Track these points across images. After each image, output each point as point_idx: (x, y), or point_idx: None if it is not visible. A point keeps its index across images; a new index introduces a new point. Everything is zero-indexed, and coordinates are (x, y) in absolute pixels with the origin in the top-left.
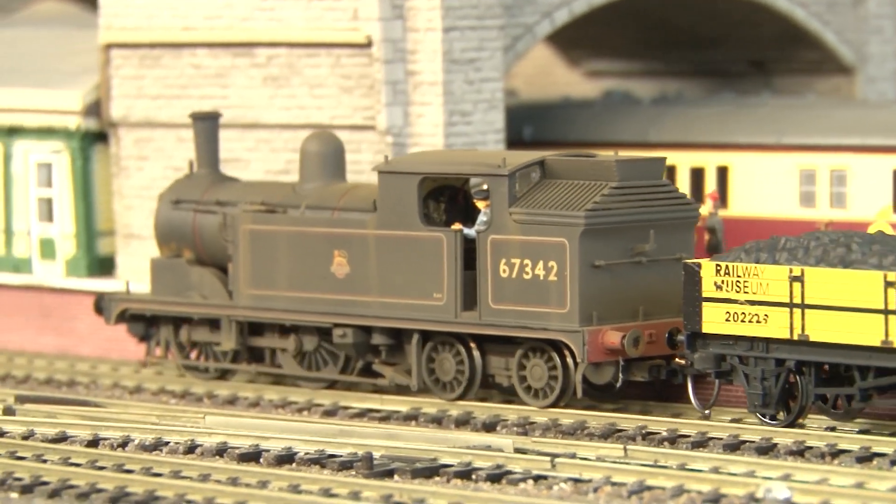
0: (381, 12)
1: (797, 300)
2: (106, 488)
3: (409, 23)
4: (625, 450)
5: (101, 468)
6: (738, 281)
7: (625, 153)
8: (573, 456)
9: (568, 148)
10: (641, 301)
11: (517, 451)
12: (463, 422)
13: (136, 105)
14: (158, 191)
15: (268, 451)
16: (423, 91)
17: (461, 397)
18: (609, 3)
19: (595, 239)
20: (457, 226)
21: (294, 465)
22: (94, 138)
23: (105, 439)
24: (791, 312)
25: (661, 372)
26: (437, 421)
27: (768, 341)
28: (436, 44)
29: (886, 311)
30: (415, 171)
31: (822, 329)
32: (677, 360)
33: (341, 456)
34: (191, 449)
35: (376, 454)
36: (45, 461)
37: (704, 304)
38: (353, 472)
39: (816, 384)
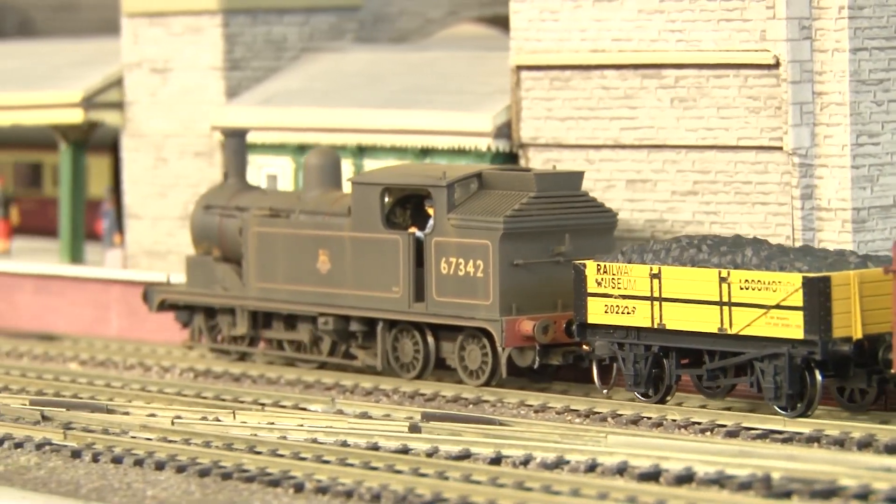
0: (789, 33)
1: (656, 294)
2: None
3: (817, 43)
4: None
5: (501, 485)
6: (613, 278)
7: None
8: None
9: None
10: (560, 295)
11: None
12: (865, 444)
13: (545, 126)
14: None
15: (667, 470)
16: (830, 112)
17: (418, 377)
18: None
19: (514, 241)
20: (412, 229)
21: (693, 485)
22: (504, 159)
23: (507, 457)
24: (652, 305)
25: (569, 357)
26: (840, 443)
27: (638, 330)
28: (843, 64)
29: (721, 303)
30: (377, 182)
31: (676, 319)
32: (584, 346)
33: (741, 477)
34: (591, 467)
35: (775, 475)
36: (446, 478)
37: (589, 298)
38: (752, 493)
39: (678, 366)
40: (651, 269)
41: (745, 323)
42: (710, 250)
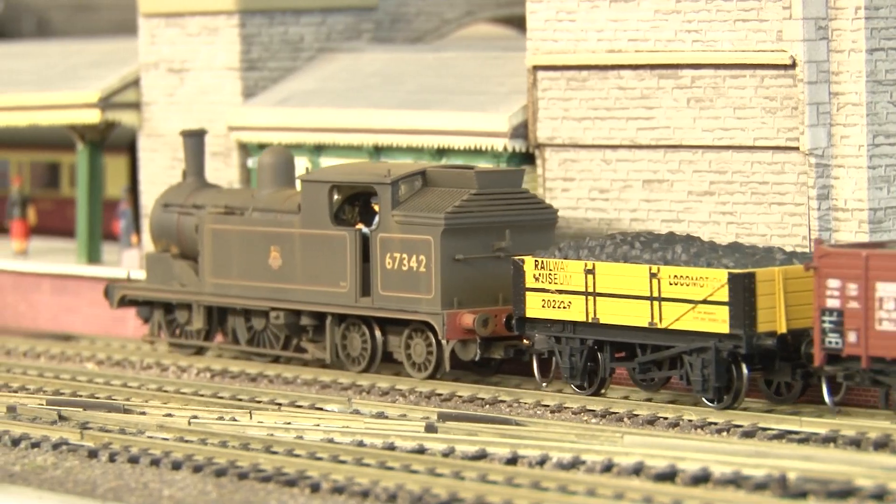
0: (806, 34)
1: (591, 289)
2: None
3: (834, 44)
4: None
5: (517, 486)
6: (550, 274)
7: None
8: None
9: None
10: (501, 290)
11: None
12: (881, 444)
13: (561, 127)
14: (583, 212)
15: (683, 471)
16: (846, 112)
17: (366, 370)
18: None
19: (455, 237)
20: (359, 226)
21: (709, 485)
22: (521, 159)
23: (523, 457)
24: (587, 299)
25: (510, 351)
26: (856, 443)
27: (574, 324)
28: (860, 65)
29: (651, 298)
30: (325, 180)
31: (609, 313)
32: (524, 340)
33: (757, 477)
34: (607, 468)
35: (791, 475)
36: (462, 478)
37: (527, 293)
38: (768, 493)
39: (612, 360)
40: (586, 265)
41: (674, 317)
42: (642, 247)
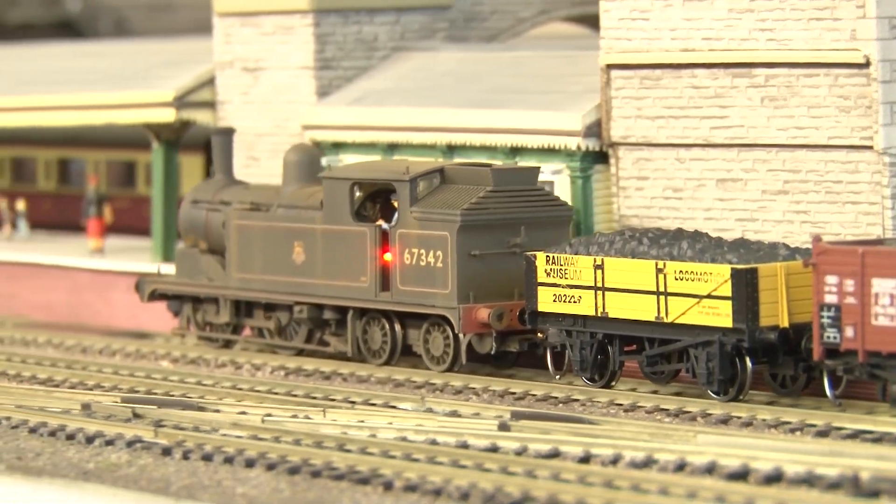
0: (879, 32)
1: (599, 284)
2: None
3: None
4: None
5: (590, 484)
6: (560, 269)
7: None
8: None
9: None
10: (516, 285)
11: None
12: None
13: (635, 125)
14: (657, 211)
15: (756, 470)
16: None
17: (386, 363)
18: None
19: (471, 233)
20: (379, 221)
21: (782, 484)
22: (594, 158)
23: (596, 456)
24: (596, 294)
25: (524, 344)
26: None
27: (584, 318)
28: None
29: (658, 293)
30: (347, 177)
31: (617, 307)
32: (538, 334)
33: (830, 476)
34: (680, 467)
35: (864, 475)
36: (535, 476)
37: (539, 287)
38: (841, 493)
39: (621, 353)
40: (595, 261)
41: (679, 312)
42: (650, 243)
